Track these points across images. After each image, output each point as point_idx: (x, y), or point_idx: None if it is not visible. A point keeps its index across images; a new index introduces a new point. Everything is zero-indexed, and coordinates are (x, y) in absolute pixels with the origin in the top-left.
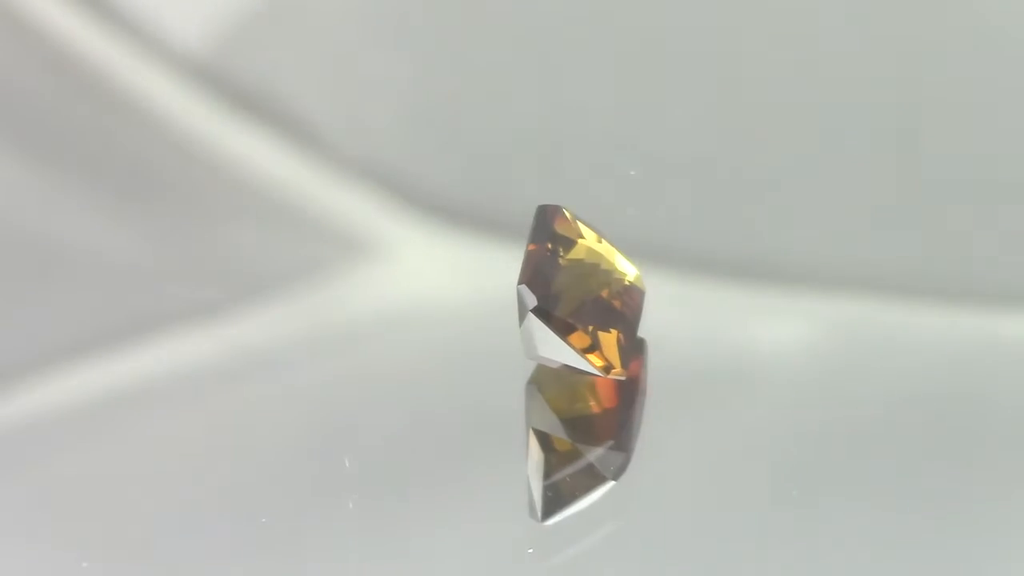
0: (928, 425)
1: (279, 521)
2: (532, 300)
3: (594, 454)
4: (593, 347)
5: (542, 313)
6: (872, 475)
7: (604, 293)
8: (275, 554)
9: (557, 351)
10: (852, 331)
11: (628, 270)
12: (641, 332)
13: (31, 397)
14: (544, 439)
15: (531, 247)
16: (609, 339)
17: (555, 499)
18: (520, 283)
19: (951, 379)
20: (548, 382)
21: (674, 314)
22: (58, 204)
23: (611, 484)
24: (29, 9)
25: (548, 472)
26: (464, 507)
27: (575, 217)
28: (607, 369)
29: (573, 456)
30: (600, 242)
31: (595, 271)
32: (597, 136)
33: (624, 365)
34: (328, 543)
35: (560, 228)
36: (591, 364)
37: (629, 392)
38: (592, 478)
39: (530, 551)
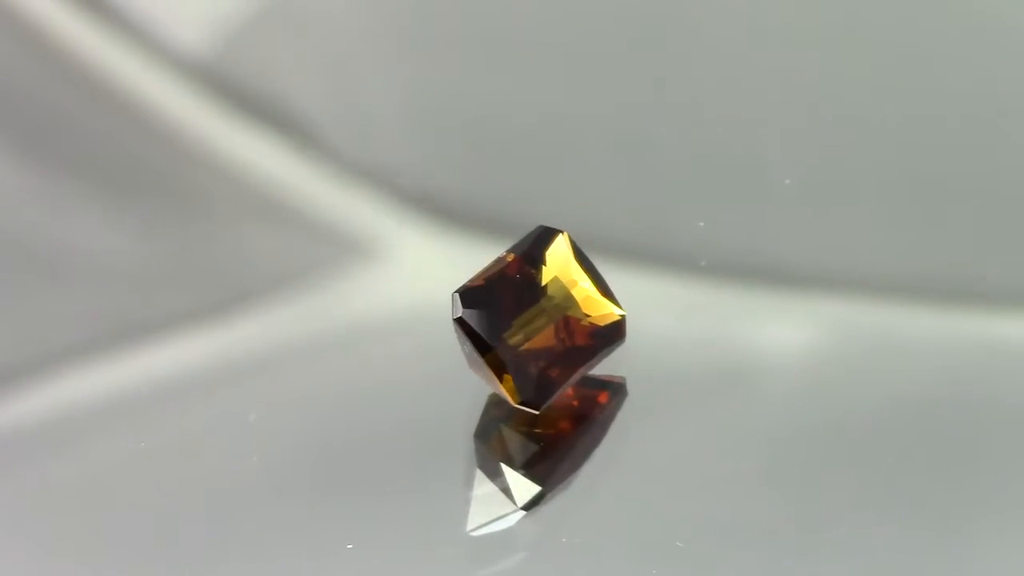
0: (928, 426)
1: (279, 521)
2: (458, 309)
3: (512, 477)
4: (511, 374)
5: (464, 325)
6: (871, 476)
7: (560, 327)
8: (273, 554)
9: (478, 367)
10: (852, 331)
11: (605, 311)
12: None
13: (31, 398)
14: (481, 451)
15: (506, 257)
16: (531, 371)
17: (480, 511)
18: (456, 291)
19: (951, 380)
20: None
21: (673, 314)
22: (57, 205)
23: (520, 512)
24: (29, 9)
25: (476, 483)
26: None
27: (573, 246)
28: (516, 399)
29: (496, 474)
30: (584, 277)
31: (557, 304)
32: (597, 136)
33: (541, 401)
34: (328, 543)
35: (547, 252)
36: (502, 389)
37: (580, 429)
38: (505, 501)
39: (349, 546)
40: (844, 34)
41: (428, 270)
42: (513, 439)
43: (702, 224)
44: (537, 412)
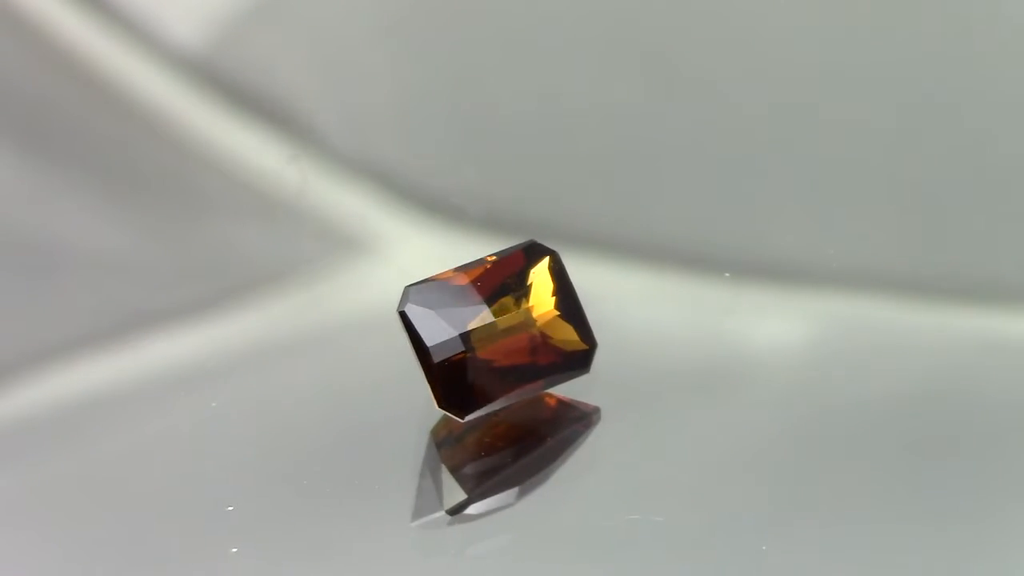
0: (922, 422)
1: (278, 521)
2: (404, 303)
3: (446, 480)
4: (440, 377)
5: (405, 320)
6: (870, 474)
7: (517, 343)
8: (273, 554)
9: (417, 362)
10: (850, 331)
11: (570, 337)
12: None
13: (29, 395)
14: (432, 449)
15: (485, 261)
16: (466, 379)
17: (422, 505)
18: (409, 285)
19: (949, 378)
20: None
21: (671, 313)
22: (52, 200)
23: (444, 515)
24: (26, 5)
25: (420, 479)
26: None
27: (557, 267)
28: (440, 403)
29: (436, 474)
30: (559, 300)
31: (520, 320)
32: (594, 133)
33: (466, 410)
34: (330, 542)
35: (528, 267)
36: (430, 390)
37: (535, 446)
38: (435, 502)
39: (229, 508)
40: (843, 32)
41: (424, 266)
42: (461, 443)
43: (728, 275)
44: (462, 420)
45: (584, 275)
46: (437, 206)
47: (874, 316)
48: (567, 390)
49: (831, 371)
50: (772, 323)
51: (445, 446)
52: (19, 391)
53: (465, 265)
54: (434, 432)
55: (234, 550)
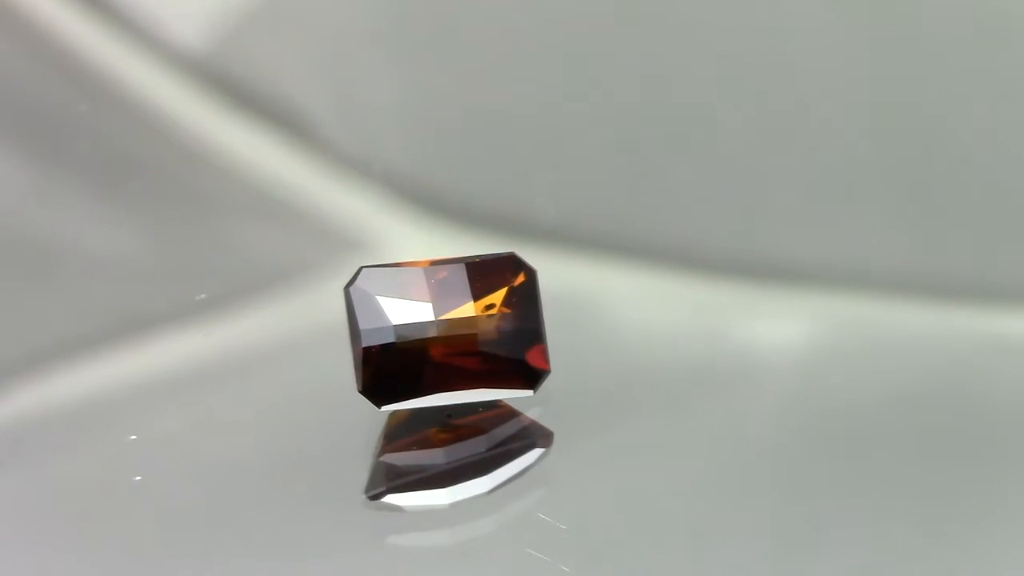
0: (926, 424)
1: (278, 521)
2: (352, 280)
3: (376, 467)
4: (363, 361)
5: (347, 299)
6: (869, 474)
7: (464, 348)
8: (274, 554)
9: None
10: (851, 331)
11: (521, 356)
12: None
13: (30, 396)
14: (381, 435)
15: (472, 258)
16: (391, 369)
17: (345, 490)
18: (365, 266)
19: (949, 378)
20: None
21: (672, 313)
22: (53, 201)
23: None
24: (27, 6)
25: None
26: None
27: (529, 283)
28: (358, 386)
29: (373, 458)
30: (522, 315)
31: (479, 329)
32: (594, 132)
33: (380, 400)
34: (332, 542)
35: (500, 277)
36: (355, 374)
37: (451, 452)
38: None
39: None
40: (842, 32)
41: None
42: (403, 438)
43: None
44: (379, 408)
45: (581, 276)
46: (439, 206)
47: (874, 316)
48: (542, 407)
49: (833, 372)
50: (772, 323)
51: (388, 438)
52: (17, 393)
53: (439, 260)
54: (387, 422)
55: (137, 478)
